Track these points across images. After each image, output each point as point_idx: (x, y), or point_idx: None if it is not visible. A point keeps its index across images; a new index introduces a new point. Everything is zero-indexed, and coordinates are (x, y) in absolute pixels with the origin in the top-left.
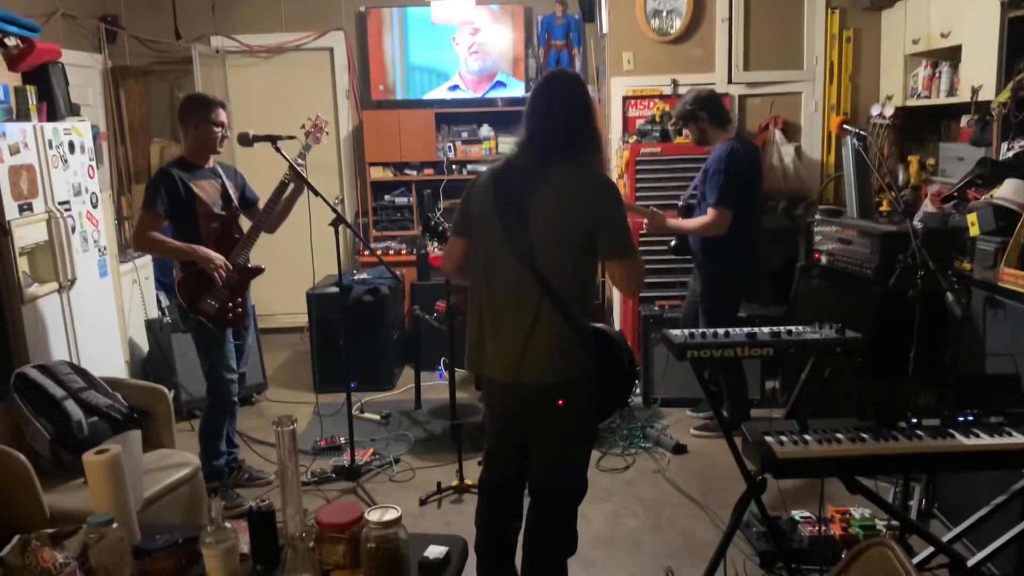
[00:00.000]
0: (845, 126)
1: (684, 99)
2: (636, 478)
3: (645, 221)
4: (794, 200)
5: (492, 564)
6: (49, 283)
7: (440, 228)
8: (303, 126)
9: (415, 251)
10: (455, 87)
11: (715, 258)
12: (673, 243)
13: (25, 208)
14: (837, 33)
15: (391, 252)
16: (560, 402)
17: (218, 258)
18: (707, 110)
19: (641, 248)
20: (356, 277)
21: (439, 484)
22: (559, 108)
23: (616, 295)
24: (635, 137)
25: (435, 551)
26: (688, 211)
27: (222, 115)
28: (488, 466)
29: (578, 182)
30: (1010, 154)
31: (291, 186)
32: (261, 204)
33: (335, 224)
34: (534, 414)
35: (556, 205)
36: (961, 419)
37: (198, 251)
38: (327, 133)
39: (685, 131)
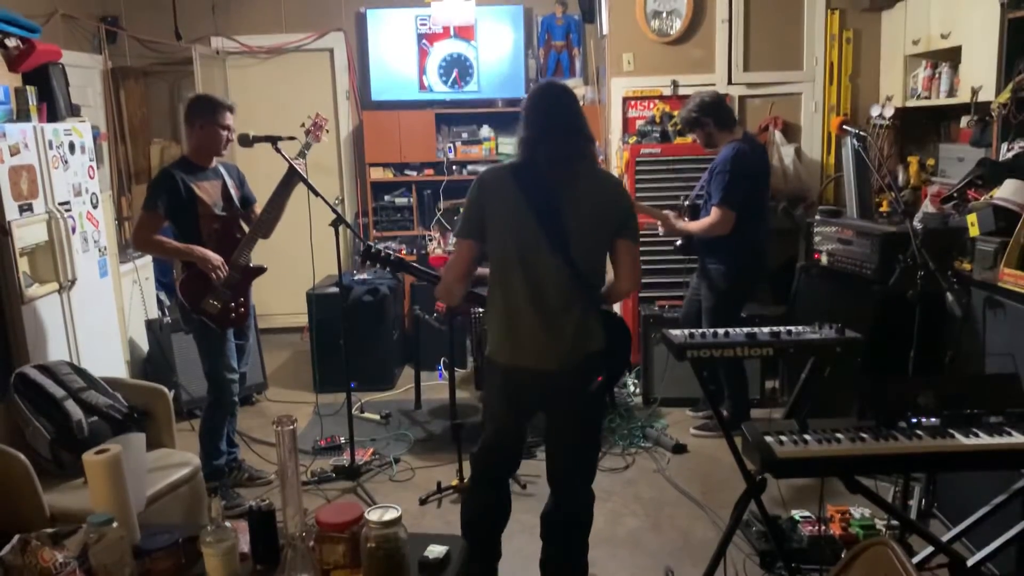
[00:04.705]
0: (845, 127)
1: (688, 105)
2: (636, 478)
3: (659, 223)
4: (794, 200)
5: (481, 555)
6: (49, 283)
7: (381, 255)
8: (303, 124)
9: (415, 251)
10: (456, 88)
11: (721, 258)
12: (679, 242)
13: (25, 208)
14: (837, 34)
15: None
16: (599, 378)
17: (216, 258)
18: (712, 115)
19: (643, 248)
20: (356, 277)
21: (439, 484)
22: (568, 111)
23: None
24: (635, 138)
25: (435, 551)
26: (694, 211)
27: (229, 118)
28: (493, 459)
29: (604, 180)
30: (1010, 155)
31: (294, 180)
32: (258, 207)
33: (335, 224)
34: (568, 393)
35: (590, 200)
36: (961, 419)
37: (195, 251)
38: (327, 132)
39: (692, 135)
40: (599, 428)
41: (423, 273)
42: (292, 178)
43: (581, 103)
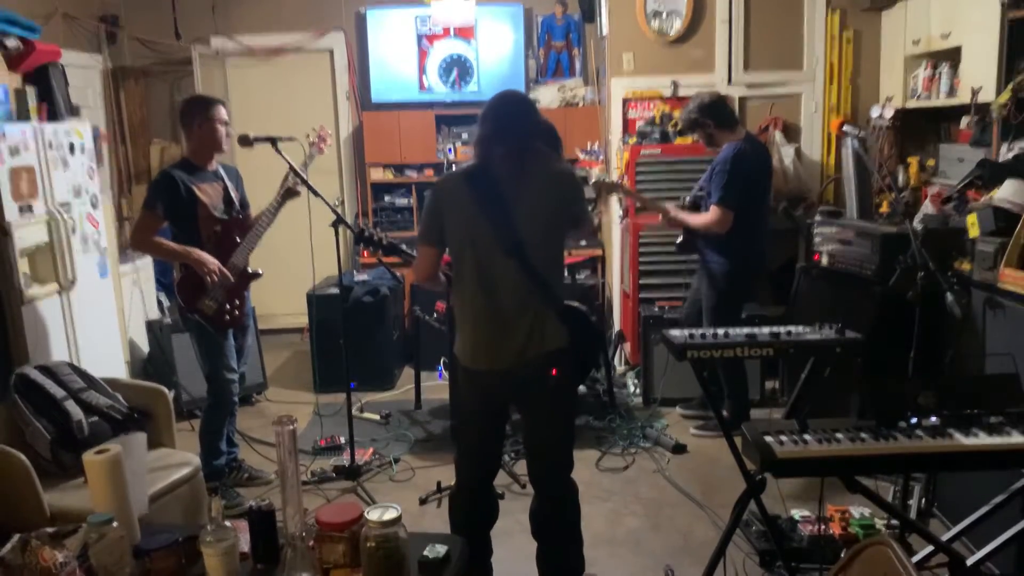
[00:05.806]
0: (845, 127)
1: (688, 107)
2: (636, 478)
3: (660, 215)
4: (794, 201)
5: (472, 553)
6: (49, 284)
7: (374, 238)
8: (308, 136)
9: (415, 252)
10: (456, 88)
11: (721, 257)
12: (680, 240)
13: (25, 209)
14: (837, 34)
15: None
16: (554, 371)
17: (212, 262)
18: (712, 116)
19: (643, 247)
20: (356, 278)
21: (439, 484)
22: (519, 113)
23: (616, 296)
24: (635, 138)
25: (435, 550)
26: (695, 208)
27: (223, 112)
28: (472, 463)
29: (557, 178)
30: (1010, 155)
31: (297, 188)
32: (252, 211)
33: (335, 225)
34: (530, 391)
35: (543, 200)
36: (961, 419)
37: (192, 254)
38: (330, 144)
39: (693, 136)
40: (571, 420)
41: (412, 259)
42: (294, 187)
43: (581, 104)
